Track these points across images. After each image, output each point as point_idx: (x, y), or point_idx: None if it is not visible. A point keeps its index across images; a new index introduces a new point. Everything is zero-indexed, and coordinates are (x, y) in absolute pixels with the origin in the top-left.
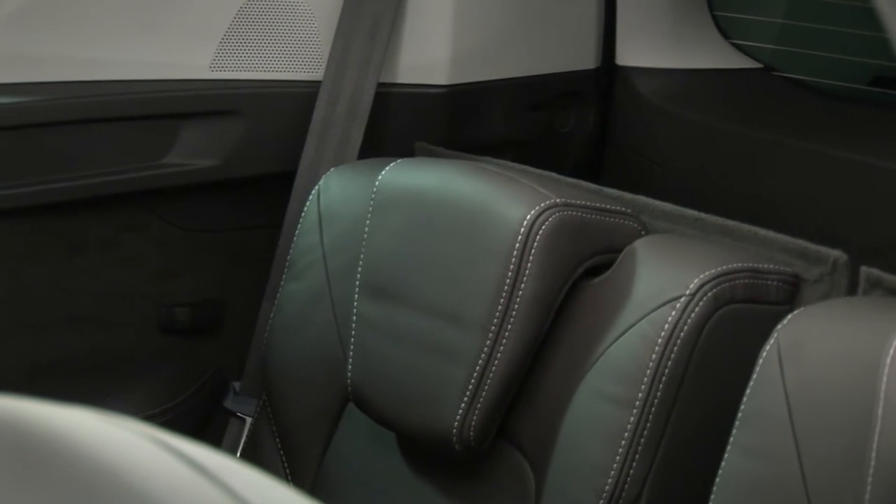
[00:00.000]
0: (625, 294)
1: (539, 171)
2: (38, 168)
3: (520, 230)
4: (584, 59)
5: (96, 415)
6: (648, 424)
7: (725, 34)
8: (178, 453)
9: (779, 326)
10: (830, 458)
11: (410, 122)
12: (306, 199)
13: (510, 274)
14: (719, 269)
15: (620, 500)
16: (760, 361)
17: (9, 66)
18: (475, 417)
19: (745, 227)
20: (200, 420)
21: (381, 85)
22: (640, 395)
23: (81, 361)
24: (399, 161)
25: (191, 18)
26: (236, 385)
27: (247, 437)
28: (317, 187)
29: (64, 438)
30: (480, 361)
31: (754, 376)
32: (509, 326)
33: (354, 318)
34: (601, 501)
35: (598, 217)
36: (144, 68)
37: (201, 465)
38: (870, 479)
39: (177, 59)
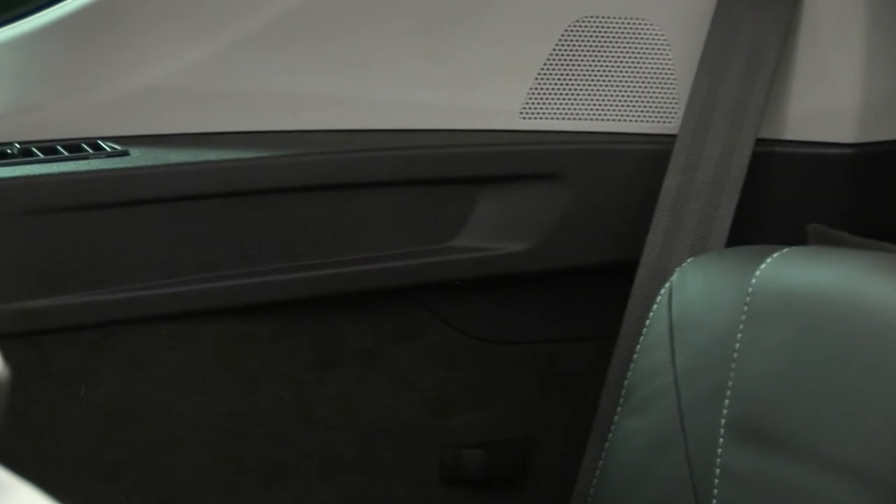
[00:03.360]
0: None
1: None
2: (283, 250)
3: None
4: None
5: None
6: None
7: None
8: None
9: None
10: None
11: (801, 194)
12: (652, 300)
13: None
14: None
15: None
16: None
17: (242, 109)
18: None
19: None
20: None
21: (760, 142)
22: None
23: None
24: (785, 250)
25: (494, 46)
26: None
27: None
28: (667, 284)
29: None
30: None
31: None
32: None
33: (717, 470)
34: None
35: None
36: (427, 114)
37: None
38: None
39: (474, 102)
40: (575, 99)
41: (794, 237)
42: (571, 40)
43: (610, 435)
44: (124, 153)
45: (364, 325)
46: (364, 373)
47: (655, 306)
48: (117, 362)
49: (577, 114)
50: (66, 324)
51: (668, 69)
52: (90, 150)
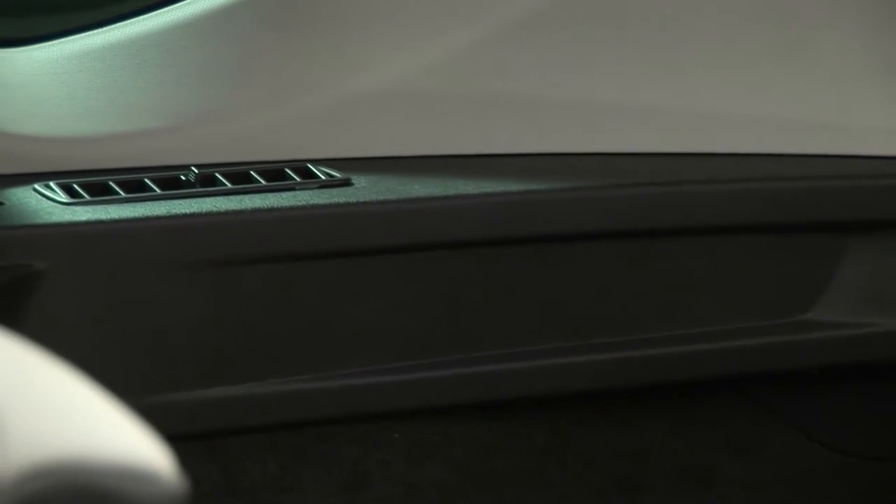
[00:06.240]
0: None
1: None
2: (563, 321)
3: None
4: None
5: None
6: None
7: None
8: None
9: None
10: None
11: None
12: None
13: None
14: None
15: None
16: None
17: (500, 124)
18: None
19: None
20: None
21: None
22: None
23: None
24: None
25: (873, 35)
26: None
27: None
28: None
29: None
30: None
31: None
32: None
33: None
34: None
35: None
36: (773, 134)
37: None
38: None
39: (843, 117)
40: None
41: None
42: None
43: None
44: (345, 182)
45: (680, 430)
46: (680, 498)
47: None
48: (332, 477)
49: None
50: (259, 422)
51: None
52: (297, 178)
